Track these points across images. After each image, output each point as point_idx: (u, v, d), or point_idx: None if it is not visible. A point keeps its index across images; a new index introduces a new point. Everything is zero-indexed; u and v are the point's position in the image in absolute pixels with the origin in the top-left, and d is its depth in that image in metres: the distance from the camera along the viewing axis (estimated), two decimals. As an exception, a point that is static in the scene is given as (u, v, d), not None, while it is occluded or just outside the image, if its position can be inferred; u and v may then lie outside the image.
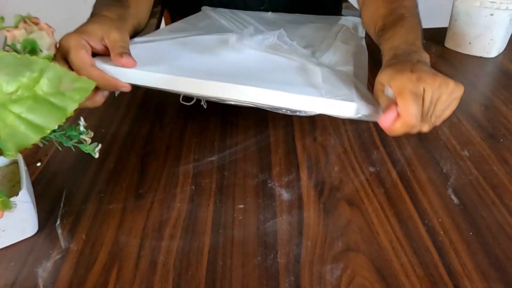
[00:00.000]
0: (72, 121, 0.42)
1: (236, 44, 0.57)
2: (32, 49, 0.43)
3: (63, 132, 0.41)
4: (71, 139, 0.41)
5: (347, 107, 0.45)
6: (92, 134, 0.42)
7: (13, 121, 0.31)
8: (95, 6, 0.59)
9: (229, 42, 0.57)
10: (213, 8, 0.85)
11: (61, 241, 0.42)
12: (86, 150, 0.42)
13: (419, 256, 0.39)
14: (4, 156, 0.33)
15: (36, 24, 0.44)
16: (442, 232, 0.42)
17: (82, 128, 0.41)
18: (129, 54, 0.49)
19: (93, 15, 0.57)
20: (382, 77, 0.47)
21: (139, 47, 0.56)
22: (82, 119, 0.43)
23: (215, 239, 0.42)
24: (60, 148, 0.42)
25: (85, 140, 0.42)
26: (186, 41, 0.60)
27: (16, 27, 0.43)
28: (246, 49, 0.57)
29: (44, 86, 0.31)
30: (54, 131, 0.38)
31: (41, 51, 0.43)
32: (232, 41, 0.57)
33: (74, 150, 0.41)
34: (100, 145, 0.43)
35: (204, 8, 0.85)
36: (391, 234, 0.42)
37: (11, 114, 0.31)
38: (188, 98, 0.58)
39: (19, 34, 0.43)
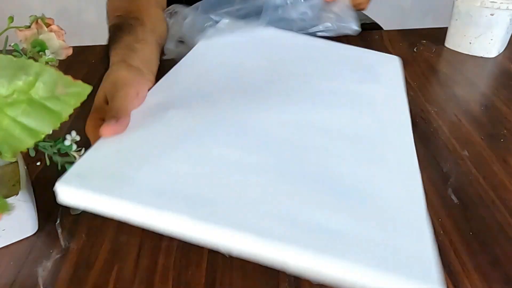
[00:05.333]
0: (67, 130, 0.39)
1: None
2: (41, 50, 0.43)
3: (51, 143, 0.38)
4: (60, 153, 0.39)
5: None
6: (83, 151, 0.38)
7: (8, 124, 0.31)
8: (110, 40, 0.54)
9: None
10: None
11: (61, 241, 0.42)
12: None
13: (419, 256, 0.39)
14: (1, 158, 0.32)
15: (48, 25, 0.44)
16: (442, 232, 0.42)
17: (68, 143, 0.38)
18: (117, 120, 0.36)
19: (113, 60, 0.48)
20: None
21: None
22: (74, 132, 0.39)
23: (215, 238, 0.42)
24: (48, 163, 0.39)
25: (74, 157, 0.39)
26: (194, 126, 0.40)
27: (29, 27, 0.43)
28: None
29: (39, 90, 0.31)
30: (43, 140, 0.35)
31: (44, 53, 0.43)
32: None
33: (60, 169, 0.38)
34: None
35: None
36: (391, 234, 0.41)
37: (6, 117, 0.31)
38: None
39: (30, 34, 0.43)
